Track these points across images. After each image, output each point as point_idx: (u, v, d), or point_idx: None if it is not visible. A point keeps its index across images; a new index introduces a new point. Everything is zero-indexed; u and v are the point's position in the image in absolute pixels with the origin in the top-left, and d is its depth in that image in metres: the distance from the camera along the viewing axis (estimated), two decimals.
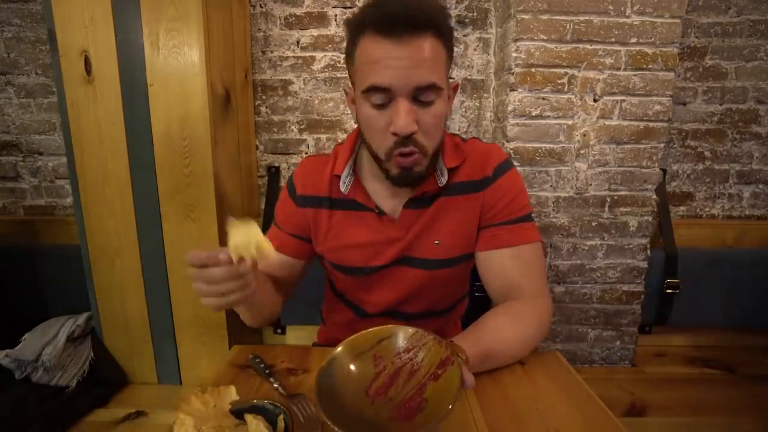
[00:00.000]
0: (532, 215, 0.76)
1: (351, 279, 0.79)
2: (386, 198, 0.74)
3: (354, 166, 0.75)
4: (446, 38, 0.62)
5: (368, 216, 0.74)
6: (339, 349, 0.52)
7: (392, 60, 0.57)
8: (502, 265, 0.73)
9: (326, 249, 0.78)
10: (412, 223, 0.74)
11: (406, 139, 0.61)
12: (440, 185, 0.72)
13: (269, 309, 0.76)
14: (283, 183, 1.55)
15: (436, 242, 0.74)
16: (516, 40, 1.22)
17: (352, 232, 0.75)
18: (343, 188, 0.73)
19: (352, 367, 0.51)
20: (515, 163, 0.94)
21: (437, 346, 0.50)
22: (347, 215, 0.75)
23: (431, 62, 0.59)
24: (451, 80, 0.68)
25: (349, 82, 0.69)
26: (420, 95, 0.60)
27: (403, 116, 0.59)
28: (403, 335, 0.52)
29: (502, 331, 0.67)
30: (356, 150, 0.76)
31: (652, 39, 1.21)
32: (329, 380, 0.48)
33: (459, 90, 1.42)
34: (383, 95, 0.60)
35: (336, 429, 0.40)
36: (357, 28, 0.61)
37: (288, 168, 1.55)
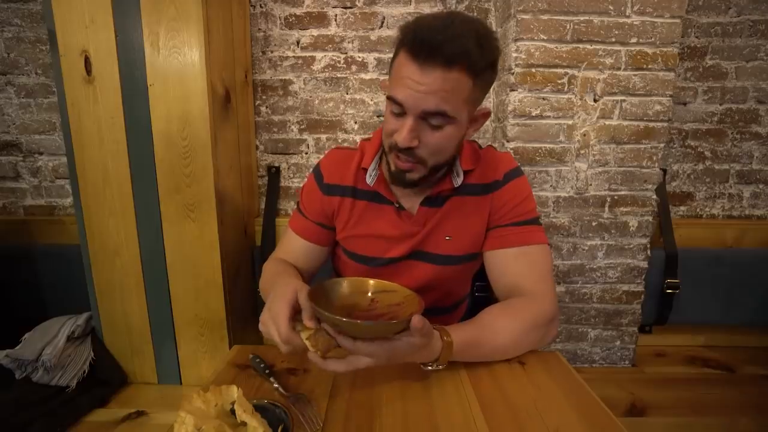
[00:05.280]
0: (539, 220, 0.79)
1: (363, 269, 0.82)
2: (405, 194, 0.79)
3: (379, 162, 0.80)
4: (476, 72, 0.61)
5: (388, 210, 0.79)
6: (345, 280, 0.63)
7: (411, 82, 0.61)
8: (507, 264, 0.76)
9: (345, 236, 0.82)
10: (427, 219, 0.78)
11: (406, 150, 0.66)
12: (455, 186, 0.77)
13: None
14: (283, 183, 1.56)
15: (447, 237, 0.78)
16: (516, 40, 1.22)
17: (371, 223, 0.80)
18: (369, 180, 0.78)
19: (350, 295, 0.62)
20: None
21: (417, 302, 0.59)
22: (369, 206, 0.80)
23: (446, 93, 0.61)
24: (480, 108, 0.70)
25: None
26: (429, 118, 0.64)
27: (404, 132, 0.64)
28: (401, 294, 0.62)
29: (492, 322, 0.68)
30: (382, 146, 0.80)
31: (652, 39, 1.21)
32: (326, 289, 0.60)
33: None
34: (398, 107, 0.64)
35: (316, 308, 0.53)
36: (400, 40, 0.64)
37: (288, 168, 1.55)
